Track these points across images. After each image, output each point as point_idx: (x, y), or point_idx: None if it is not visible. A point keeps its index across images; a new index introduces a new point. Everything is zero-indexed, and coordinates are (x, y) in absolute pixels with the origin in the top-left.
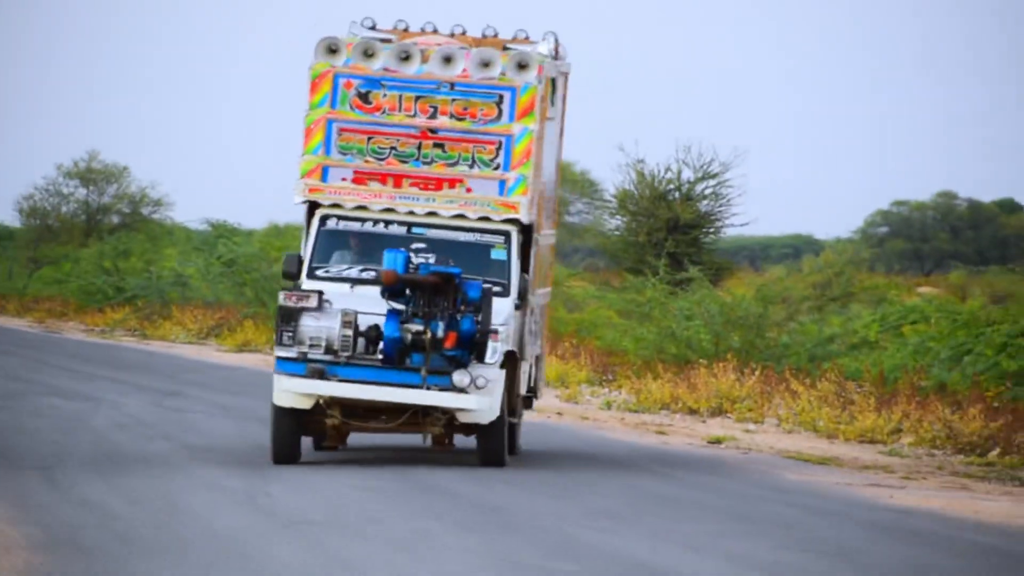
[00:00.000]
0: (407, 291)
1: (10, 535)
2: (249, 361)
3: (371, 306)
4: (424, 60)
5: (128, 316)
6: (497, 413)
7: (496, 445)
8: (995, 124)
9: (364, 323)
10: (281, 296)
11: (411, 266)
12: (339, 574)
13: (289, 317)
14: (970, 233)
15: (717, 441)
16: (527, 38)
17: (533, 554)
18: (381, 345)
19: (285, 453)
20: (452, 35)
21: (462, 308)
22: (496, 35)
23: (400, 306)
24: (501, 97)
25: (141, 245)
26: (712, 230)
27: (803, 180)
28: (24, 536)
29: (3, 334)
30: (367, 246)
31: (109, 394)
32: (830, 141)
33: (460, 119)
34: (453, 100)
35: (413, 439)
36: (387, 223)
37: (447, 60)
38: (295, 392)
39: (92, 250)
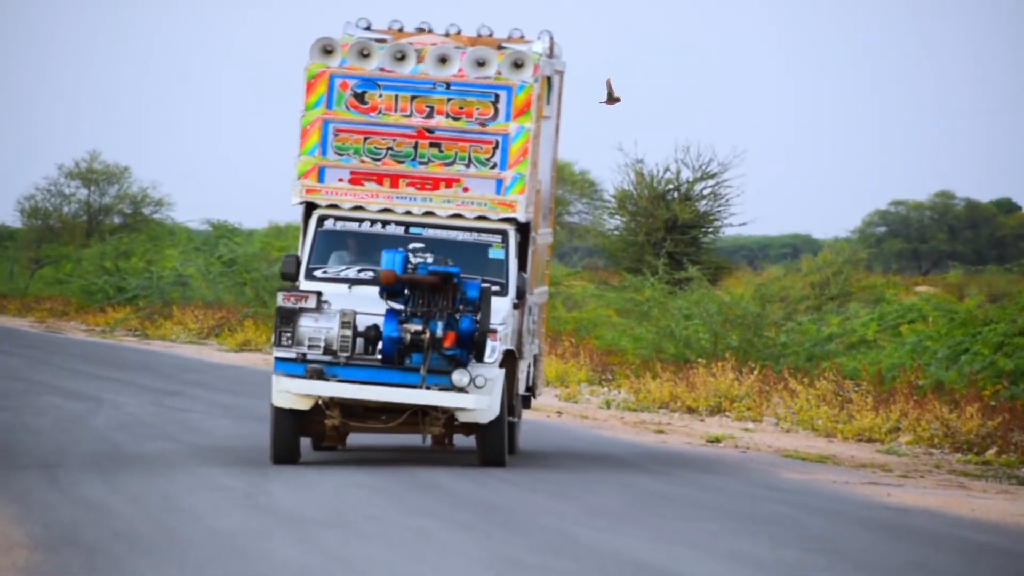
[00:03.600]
0: (406, 291)
1: (11, 534)
2: (249, 360)
3: (370, 306)
4: (420, 60)
5: (129, 316)
6: (497, 412)
7: (496, 444)
8: (993, 124)
9: (363, 323)
10: (280, 297)
11: (410, 266)
12: (338, 573)
13: (288, 318)
14: (968, 233)
15: (716, 440)
16: (522, 37)
17: (531, 552)
18: (380, 345)
19: (284, 453)
20: (447, 35)
21: (461, 307)
22: (491, 34)
23: (399, 306)
24: (497, 96)
25: (142, 245)
26: (711, 230)
27: (801, 180)
28: (26, 534)
29: (4, 334)
30: (365, 246)
31: (110, 394)
32: (828, 141)
33: (456, 119)
34: (449, 100)
35: (413, 439)
36: (384, 223)
37: (442, 60)
38: (294, 393)
39: (93, 250)
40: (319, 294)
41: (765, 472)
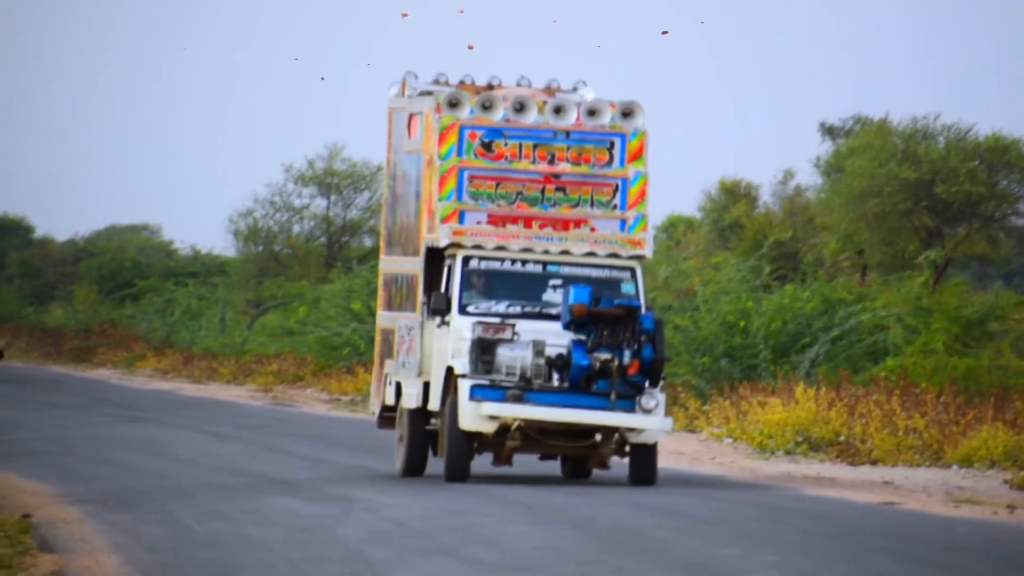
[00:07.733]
0: (589, 323)
1: None
2: None
3: (551, 337)
4: (540, 111)
5: None
6: (668, 431)
7: (653, 463)
8: None
9: (551, 352)
10: (479, 329)
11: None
12: None
13: (486, 348)
14: None
15: None
16: (580, 86)
17: None
18: (569, 372)
19: (459, 474)
20: (518, 85)
21: (642, 338)
22: (559, 87)
23: (583, 337)
24: (612, 143)
25: None
26: None
27: None
28: None
29: (217, 409)
30: (501, 283)
31: (364, 491)
32: None
33: (577, 164)
34: (569, 147)
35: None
36: (524, 262)
37: (558, 110)
38: (492, 416)
39: (336, 286)
40: (514, 326)
41: None
